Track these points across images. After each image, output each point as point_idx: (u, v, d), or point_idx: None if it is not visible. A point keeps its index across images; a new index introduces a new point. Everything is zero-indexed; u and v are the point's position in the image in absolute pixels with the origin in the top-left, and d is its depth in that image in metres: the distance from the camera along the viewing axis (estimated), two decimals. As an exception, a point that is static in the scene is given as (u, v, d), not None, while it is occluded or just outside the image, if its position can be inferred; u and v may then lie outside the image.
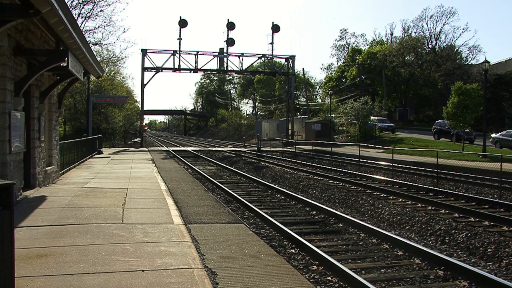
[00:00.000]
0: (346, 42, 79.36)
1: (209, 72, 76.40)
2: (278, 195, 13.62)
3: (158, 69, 40.62)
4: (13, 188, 3.70)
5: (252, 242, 6.50)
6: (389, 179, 16.47)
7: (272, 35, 43.47)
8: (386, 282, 6.13)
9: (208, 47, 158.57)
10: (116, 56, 45.14)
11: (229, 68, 43.40)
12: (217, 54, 42.24)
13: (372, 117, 42.38)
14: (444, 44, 58.56)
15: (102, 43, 38.45)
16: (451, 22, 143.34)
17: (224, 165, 22.97)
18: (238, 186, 15.60)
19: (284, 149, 35.22)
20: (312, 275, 6.32)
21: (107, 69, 44.90)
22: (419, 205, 11.56)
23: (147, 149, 35.81)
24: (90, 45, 15.81)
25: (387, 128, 45.24)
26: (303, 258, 7.07)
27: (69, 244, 5.97)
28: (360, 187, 14.68)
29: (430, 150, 25.11)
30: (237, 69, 43.59)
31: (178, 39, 40.44)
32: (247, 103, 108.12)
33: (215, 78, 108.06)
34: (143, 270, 4.93)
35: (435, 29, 60.16)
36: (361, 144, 28.70)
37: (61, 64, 10.41)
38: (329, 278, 6.20)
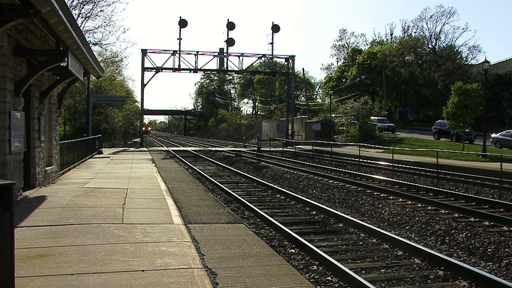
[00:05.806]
0: (346, 42, 79.53)
1: (209, 72, 76.50)
2: (278, 195, 13.62)
3: (158, 69, 40.63)
4: (13, 188, 3.69)
5: (252, 242, 6.50)
6: (389, 179, 16.47)
7: (272, 35, 43.53)
8: (386, 282, 6.13)
9: (208, 47, 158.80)
10: (118, 56, 45.19)
11: (229, 68, 43.42)
12: (217, 54, 42.25)
13: (372, 117, 42.41)
14: (444, 44, 58.62)
15: (102, 43, 38.54)
16: (451, 22, 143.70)
17: (224, 165, 22.96)
18: (238, 186, 15.59)
19: (284, 149, 35.20)
20: (312, 275, 6.32)
21: (108, 69, 44.89)
22: (419, 205, 11.56)
23: (147, 149, 35.81)
24: (90, 45, 15.81)
25: (387, 128, 45.25)
26: (303, 258, 7.07)
27: (69, 244, 5.97)
28: (360, 187, 14.68)
29: (430, 150, 25.11)
30: (237, 69, 43.61)
31: (178, 39, 40.49)
32: (247, 103, 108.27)
33: (215, 78, 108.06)
34: (143, 270, 4.93)
35: (435, 29, 60.23)
36: (361, 144, 28.70)
37: (61, 64, 10.41)
38: (329, 278, 6.20)
